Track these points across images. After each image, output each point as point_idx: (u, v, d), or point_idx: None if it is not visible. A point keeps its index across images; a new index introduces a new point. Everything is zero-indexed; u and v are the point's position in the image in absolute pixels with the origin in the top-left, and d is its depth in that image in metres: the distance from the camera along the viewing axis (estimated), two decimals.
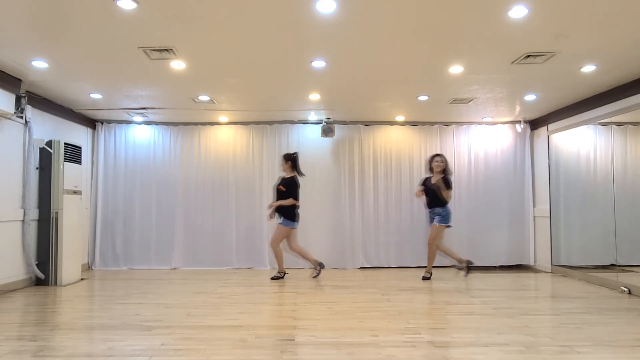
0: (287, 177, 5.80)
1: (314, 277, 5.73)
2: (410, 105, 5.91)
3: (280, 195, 5.69)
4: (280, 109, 6.13)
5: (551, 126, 6.37)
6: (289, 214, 5.65)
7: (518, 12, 3.15)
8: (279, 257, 5.68)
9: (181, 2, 3.02)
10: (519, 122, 6.83)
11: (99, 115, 6.43)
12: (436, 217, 5.61)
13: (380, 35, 3.57)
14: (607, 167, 5.24)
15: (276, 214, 5.71)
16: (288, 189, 5.68)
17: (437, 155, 5.78)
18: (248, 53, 3.96)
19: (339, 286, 5.18)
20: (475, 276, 5.94)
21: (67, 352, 2.84)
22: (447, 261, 6.73)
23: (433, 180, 5.65)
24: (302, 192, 6.85)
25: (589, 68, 4.34)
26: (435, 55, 4.03)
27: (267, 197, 6.75)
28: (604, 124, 5.33)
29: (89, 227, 6.59)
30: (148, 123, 6.80)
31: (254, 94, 5.32)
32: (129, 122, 6.78)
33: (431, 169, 5.74)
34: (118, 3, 3.01)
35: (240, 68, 4.37)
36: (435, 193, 5.59)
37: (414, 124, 6.92)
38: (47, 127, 5.58)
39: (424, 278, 5.64)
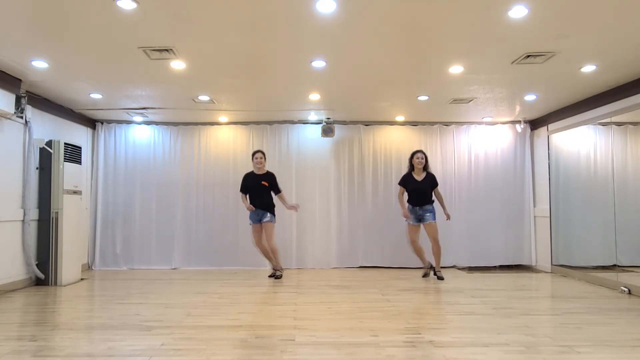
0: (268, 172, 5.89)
1: (273, 277, 5.80)
2: (410, 105, 5.91)
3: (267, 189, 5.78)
4: (280, 109, 6.13)
5: (551, 126, 6.37)
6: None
7: (518, 12, 3.15)
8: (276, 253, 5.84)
9: (181, 2, 3.02)
10: (519, 122, 6.83)
11: (99, 115, 6.44)
12: (430, 213, 5.63)
13: (380, 35, 3.57)
14: (607, 167, 5.24)
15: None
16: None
17: (418, 151, 5.80)
18: (248, 53, 3.96)
19: (339, 286, 5.18)
20: (475, 276, 5.94)
21: (67, 352, 2.84)
22: (447, 261, 6.75)
23: (419, 178, 5.69)
24: (302, 192, 6.89)
25: (589, 68, 4.34)
26: (435, 55, 4.03)
27: None
28: (604, 124, 5.33)
29: (89, 227, 6.59)
30: (148, 123, 6.81)
31: (254, 94, 5.32)
32: (129, 122, 6.78)
33: (412, 166, 5.77)
34: (118, 3, 3.01)
35: (240, 68, 4.38)
36: (427, 190, 5.65)
37: (414, 124, 6.92)
38: (47, 127, 5.58)
39: (440, 278, 5.62)
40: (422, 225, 5.72)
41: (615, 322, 3.57)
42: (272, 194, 5.80)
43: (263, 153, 5.85)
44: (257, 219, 5.71)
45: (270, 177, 5.80)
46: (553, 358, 2.73)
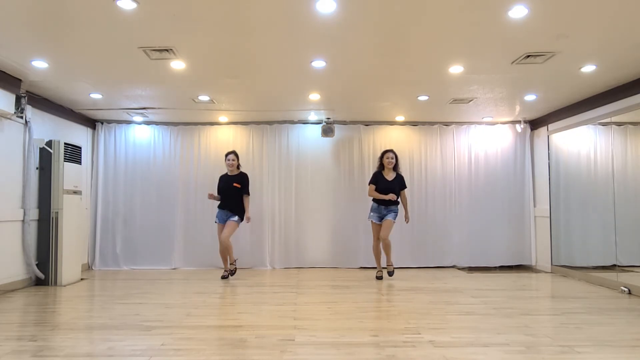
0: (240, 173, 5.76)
1: (230, 275, 5.70)
2: (410, 105, 5.91)
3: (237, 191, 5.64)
4: (280, 109, 6.13)
5: (551, 126, 6.37)
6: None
7: (518, 12, 3.15)
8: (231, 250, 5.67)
9: (181, 2, 3.02)
10: (519, 122, 6.83)
11: (99, 115, 6.43)
12: (392, 213, 5.58)
13: (380, 35, 3.57)
14: (607, 167, 5.24)
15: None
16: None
17: (389, 151, 5.74)
18: (248, 53, 3.96)
19: (339, 286, 5.18)
20: (475, 276, 5.94)
21: (67, 352, 2.84)
22: (447, 262, 6.75)
23: (389, 178, 5.64)
24: (303, 192, 6.89)
25: (589, 68, 4.34)
26: (435, 55, 4.03)
27: (267, 197, 6.75)
28: (604, 124, 5.33)
29: (89, 227, 6.58)
30: (148, 123, 6.80)
31: (254, 94, 5.32)
32: (129, 122, 6.78)
33: (382, 165, 5.71)
34: (118, 3, 3.01)
35: (240, 68, 4.38)
36: (396, 190, 5.60)
37: (414, 124, 6.92)
38: (47, 127, 5.58)
39: (390, 274, 5.64)
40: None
41: (615, 322, 3.57)
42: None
43: (236, 154, 5.71)
44: (224, 219, 5.60)
45: (242, 178, 5.66)
46: (553, 358, 2.73)
